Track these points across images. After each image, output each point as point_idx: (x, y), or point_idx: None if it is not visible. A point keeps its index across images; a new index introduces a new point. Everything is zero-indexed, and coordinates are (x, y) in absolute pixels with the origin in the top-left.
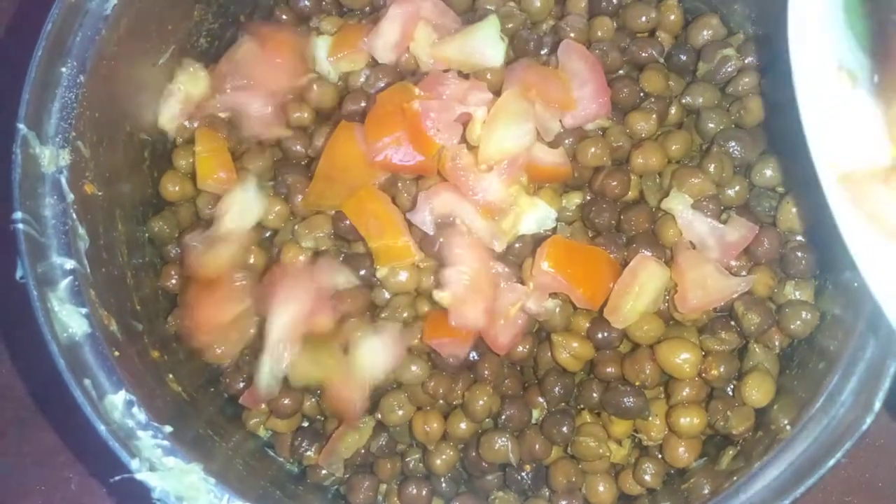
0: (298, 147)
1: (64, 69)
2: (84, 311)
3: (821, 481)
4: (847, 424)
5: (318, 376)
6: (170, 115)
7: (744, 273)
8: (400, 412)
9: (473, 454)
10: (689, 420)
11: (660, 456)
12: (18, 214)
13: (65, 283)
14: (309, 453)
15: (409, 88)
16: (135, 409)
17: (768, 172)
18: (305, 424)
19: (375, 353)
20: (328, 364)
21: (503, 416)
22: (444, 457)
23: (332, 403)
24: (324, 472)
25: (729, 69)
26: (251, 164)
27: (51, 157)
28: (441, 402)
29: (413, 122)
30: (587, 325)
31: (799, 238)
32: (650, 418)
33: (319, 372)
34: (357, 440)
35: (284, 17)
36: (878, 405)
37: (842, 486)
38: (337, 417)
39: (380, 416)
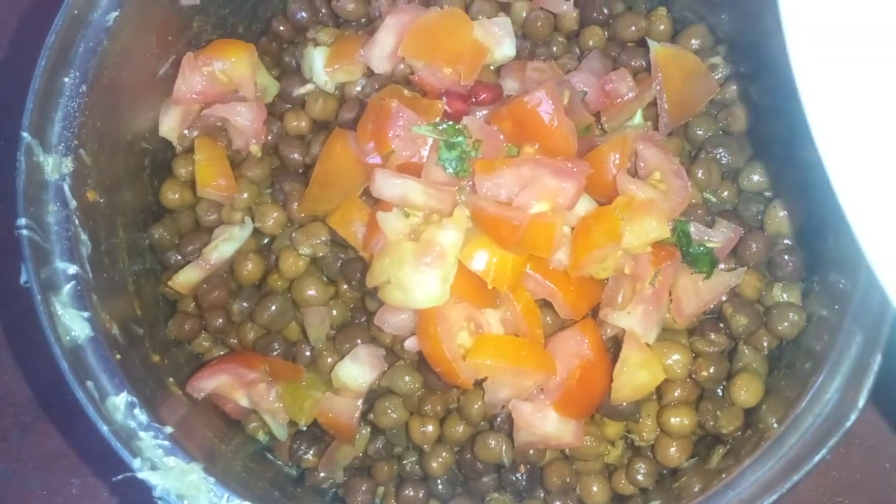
0: (296, 155)
1: (67, 79)
2: (86, 315)
3: (811, 482)
4: (832, 422)
5: (310, 411)
6: (170, 124)
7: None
8: (393, 415)
9: (469, 456)
10: (680, 420)
11: (652, 456)
12: (22, 221)
13: (68, 288)
14: (307, 457)
15: (398, 90)
16: (136, 411)
17: (755, 178)
18: (304, 429)
19: (353, 374)
20: (314, 398)
21: (498, 419)
22: (440, 459)
23: (328, 425)
24: (322, 475)
25: (717, 77)
26: (250, 172)
27: (54, 165)
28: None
29: (381, 117)
30: None
31: (786, 241)
32: (642, 419)
33: (310, 407)
34: (353, 450)
35: (282, 28)
36: (862, 403)
37: (832, 487)
38: (335, 436)
39: (373, 417)
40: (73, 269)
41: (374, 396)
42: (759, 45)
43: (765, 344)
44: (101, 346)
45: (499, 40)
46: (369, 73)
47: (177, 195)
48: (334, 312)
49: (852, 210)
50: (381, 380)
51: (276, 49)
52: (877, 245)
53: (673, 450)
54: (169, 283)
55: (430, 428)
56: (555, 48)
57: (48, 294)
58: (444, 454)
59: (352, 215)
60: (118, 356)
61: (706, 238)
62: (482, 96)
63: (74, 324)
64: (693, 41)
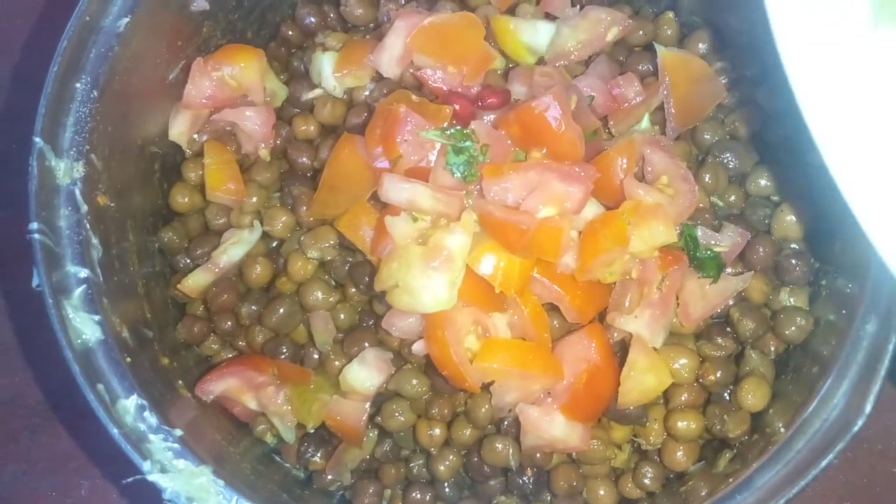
0: (304, 159)
1: (78, 85)
2: (97, 318)
3: (819, 486)
4: (840, 427)
5: (318, 414)
6: (180, 128)
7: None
8: (401, 418)
9: (476, 459)
10: (687, 424)
11: (659, 460)
12: (35, 225)
13: (79, 292)
14: (315, 459)
15: (407, 95)
16: (146, 414)
17: (763, 182)
18: (312, 432)
19: (360, 377)
20: (322, 401)
21: (505, 423)
22: (447, 462)
23: (336, 427)
24: (329, 477)
25: (723, 81)
26: (259, 176)
27: (65, 170)
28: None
29: (389, 122)
30: None
31: (793, 246)
32: (649, 423)
33: (318, 410)
34: (361, 453)
35: (290, 33)
36: (869, 408)
37: (840, 491)
38: (343, 439)
39: (380, 420)
40: (84, 273)
41: (381, 399)
42: (766, 48)
43: (772, 348)
44: (111, 349)
45: (535, 24)
46: (378, 78)
47: (186, 199)
48: (342, 316)
49: (859, 208)
50: (389, 383)
51: (285, 54)
52: (884, 235)
53: (680, 454)
54: (178, 286)
55: (437, 431)
56: None
57: (59, 297)
58: (451, 457)
59: (360, 219)
60: (128, 359)
61: (713, 242)
62: (490, 101)
63: (85, 327)
64: (700, 45)
